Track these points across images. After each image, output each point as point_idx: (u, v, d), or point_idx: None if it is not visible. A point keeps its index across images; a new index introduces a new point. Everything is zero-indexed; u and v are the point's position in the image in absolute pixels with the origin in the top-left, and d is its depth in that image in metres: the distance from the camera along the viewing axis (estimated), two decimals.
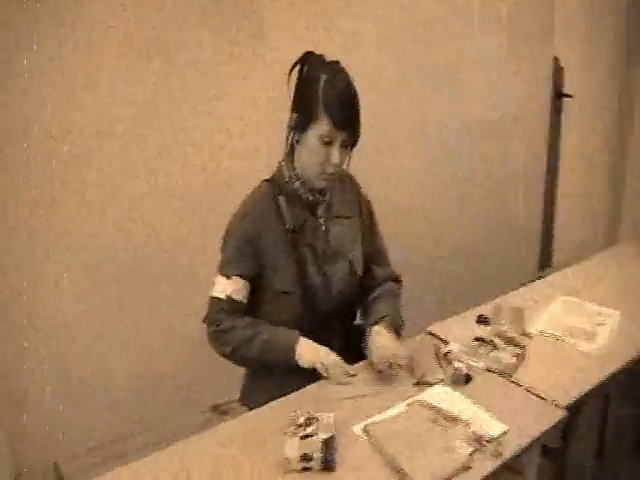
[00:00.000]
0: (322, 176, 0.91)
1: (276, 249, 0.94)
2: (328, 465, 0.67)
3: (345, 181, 1.02)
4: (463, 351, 0.94)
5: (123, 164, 1.30)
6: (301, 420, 0.73)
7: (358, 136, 0.88)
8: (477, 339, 0.98)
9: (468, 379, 0.86)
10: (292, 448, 0.69)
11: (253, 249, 0.94)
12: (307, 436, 0.70)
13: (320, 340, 0.95)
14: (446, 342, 0.97)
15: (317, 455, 0.69)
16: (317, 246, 0.96)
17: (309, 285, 0.95)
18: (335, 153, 0.88)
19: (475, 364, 0.92)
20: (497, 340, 0.96)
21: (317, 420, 0.74)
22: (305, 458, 0.69)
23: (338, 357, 0.92)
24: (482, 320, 1.06)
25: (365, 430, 0.76)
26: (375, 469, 0.70)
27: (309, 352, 0.91)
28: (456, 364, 0.87)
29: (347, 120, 0.85)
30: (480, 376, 0.88)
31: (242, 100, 1.38)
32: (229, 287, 0.94)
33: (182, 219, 1.40)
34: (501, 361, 0.88)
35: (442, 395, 0.83)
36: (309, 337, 0.96)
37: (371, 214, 1.05)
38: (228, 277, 0.93)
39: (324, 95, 0.86)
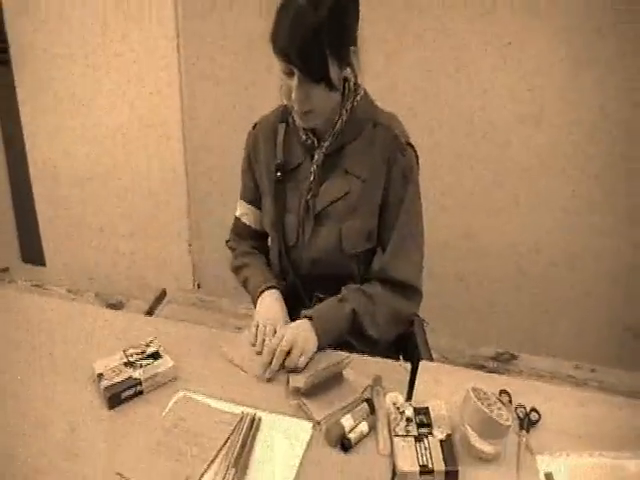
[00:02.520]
0: (296, 114, 0.86)
1: (265, 182, 0.94)
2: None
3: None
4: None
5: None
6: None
7: (316, 71, 0.78)
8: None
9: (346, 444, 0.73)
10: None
11: (251, 173, 0.96)
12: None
13: (300, 306, 0.94)
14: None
15: None
16: (302, 196, 0.91)
17: (285, 237, 0.93)
18: (293, 88, 0.80)
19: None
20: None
21: None
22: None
23: (280, 333, 0.86)
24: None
25: None
26: None
27: (262, 309, 0.91)
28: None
29: (287, 49, 0.76)
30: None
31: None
32: (239, 208, 1.01)
33: None
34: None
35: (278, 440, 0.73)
36: (291, 296, 0.96)
37: (406, 192, 0.90)
38: (241, 199, 1.00)
39: (274, 22, 0.79)
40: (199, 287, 2.06)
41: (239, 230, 1.05)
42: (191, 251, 1.98)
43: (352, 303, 0.92)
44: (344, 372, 0.86)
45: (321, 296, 0.96)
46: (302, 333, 0.88)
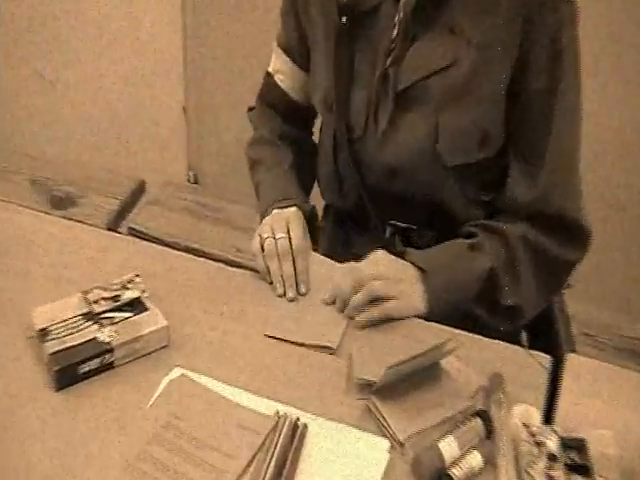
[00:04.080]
0: None
1: (319, 33, 0.86)
2: None
3: None
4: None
5: None
6: None
7: None
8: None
9: None
10: None
11: (296, 16, 0.89)
12: None
13: (365, 236, 0.91)
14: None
15: None
16: (378, 61, 0.81)
17: (347, 123, 0.84)
18: None
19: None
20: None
21: None
22: None
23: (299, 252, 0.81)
24: None
25: None
26: None
27: (266, 223, 0.85)
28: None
29: None
30: None
31: None
32: (274, 61, 0.94)
33: None
34: None
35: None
36: (354, 220, 0.93)
37: (559, 74, 0.76)
38: (277, 46, 0.93)
39: None
40: (195, 182, 2.01)
41: (269, 94, 0.96)
42: (187, 121, 1.89)
43: (489, 254, 0.80)
44: (443, 363, 0.70)
45: (401, 225, 0.87)
46: (403, 289, 0.77)
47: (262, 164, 0.94)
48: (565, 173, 0.80)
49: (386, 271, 0.77)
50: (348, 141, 0.85)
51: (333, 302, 0.78)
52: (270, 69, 0.94)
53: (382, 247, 0.81)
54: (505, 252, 0.80)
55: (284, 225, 0.82)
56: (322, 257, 0.84)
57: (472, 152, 0.80)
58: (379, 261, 0.78)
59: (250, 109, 1.00)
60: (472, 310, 0.80)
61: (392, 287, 0.76)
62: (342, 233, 0.96)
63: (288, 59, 0.91)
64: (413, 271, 0.78)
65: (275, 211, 0.84)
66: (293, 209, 0.84)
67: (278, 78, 0.93)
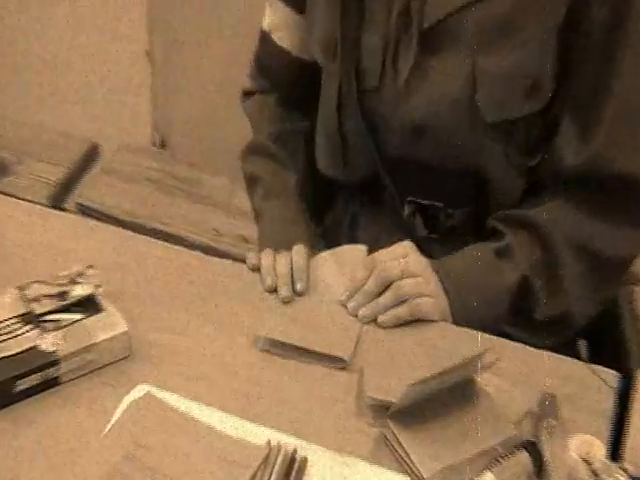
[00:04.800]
0: None
1: None
2: None
3: None
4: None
5: None
6: None
7: None
8: None
9: None
10: None
11: None
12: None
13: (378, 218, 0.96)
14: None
15: None
16: None
17: (357, 74, 0.87)
18: None
19: None
20: None
21: None
22: None
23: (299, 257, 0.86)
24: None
25: None
26: None
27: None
28: None
29: None
30: None
31: None
32: (268, 14, 0.98)
33: None
34: None
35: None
36: (367, 196, 0.96)
37: (627, 7, 0.78)
38: None
39: None
40: (162, 146, 2.04)
41: (267, 59, 1.02)
42: (152, 70, 1.94)
43: (520, 259, 0.85)
44: (479, 380, 0.73)
45: (424, 203, 0.91)
46: (434, 288, 0.83)
47: (259, 185, 1.00)
48: (628, 128, 0.83)
49: (415, 268, 0.81)
50: (358, 95, 0.87)
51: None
52: (265, 26, 0.97)
53: (400, 233, 0.85)
54: (541, 251, 0.83)
55: (287, 257, 0.87)
56: (327, 252, 0.88)
57: (517, 104, 0.83)
58: (407, 254, 0.82)
59: (245, 94, 1.04)
60: (504, 329, 0.84)
61: (423, 287, 0.80)
62: (346, 214, 1.00)
63: (284, 5, 0.94)
64: (434, 277, 0.83)
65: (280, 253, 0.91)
66: (300, 245, 0.90)
67: (276, 36, 0.96)
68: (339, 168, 0.95)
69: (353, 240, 0.96)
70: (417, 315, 0.79)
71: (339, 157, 0.94)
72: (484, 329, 0.83)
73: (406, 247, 0.84)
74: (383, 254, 0.83)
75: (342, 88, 0.89)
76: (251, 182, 1.04)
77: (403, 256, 0.82)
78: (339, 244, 0.93)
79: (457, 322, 0.83)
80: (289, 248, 0.89)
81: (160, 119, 2.07)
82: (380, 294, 0.81)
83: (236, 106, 1.10)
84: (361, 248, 0.88)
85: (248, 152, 1.05)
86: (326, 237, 1.00)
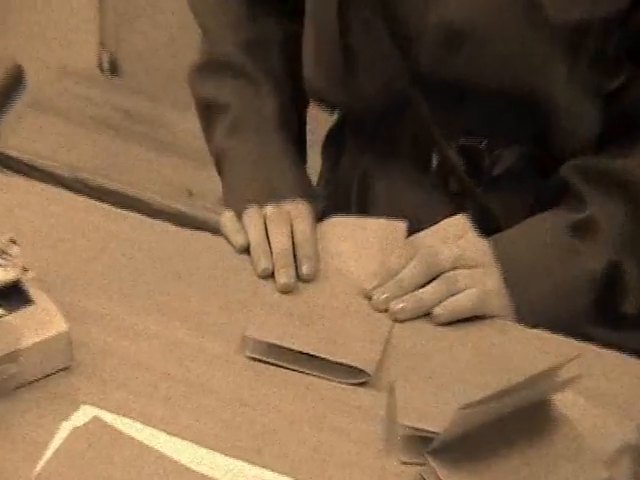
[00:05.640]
0: None
1: None
2: None
3: None
4: None
5: None
6: None
7: None
8: None
9: None
10: None
11: None
12: None
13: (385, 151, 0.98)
14: None
15: None
16: None
17: None
18: None
19: None
20: None
21: None
22: None
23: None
24: None
25: None
26: None
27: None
28: None
29: None
30: None
31: None
32: None
33: None
34: None
35: None
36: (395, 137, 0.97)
37: None
38: None
39: None
40: (113, 72, 2.07)
41: None
42: None
43: (606, 237, 0.87)
44: (558, 402, 0.73)
45: (461, 142, 0.95)
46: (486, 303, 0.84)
47: (222, 115, 1.00)
48: None
49: (473, 255, 0.83)
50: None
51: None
52: None
53: (426, 188, 0.90)
54: (636, 223, 0.86)
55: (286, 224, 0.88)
56: (343, 218, 0.89)
57: (588, 3, 0.84)
58: (462, 236, 0.84)
59: None
60: (585, 330, 0.85)
61: (483, 281, 0.82)
62: (355, 169, 1.02)
63: None
64: (493, 268, 0.84)
65: (270, 208, 0.90)
66: (298, 203, 0.90)
67: None
68: (339, 88, 0.96)
69: (363, 205, 0.98)
70: (481, 309, 0.81)
71: (339, 73, 0.95)
72: (557, 331, 0.84)
73: (460, 225, 0.85)
74: (429, 234, 0.84)
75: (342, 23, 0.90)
76: (209, 112, 1.03)
77: (456, 238, 0.84)
78: (345, 212, 0.94)
79: (521, 323, 0.84)
80: (280, 202, 0.90)
81: (108, 36, 2.11)
82: (422, 286, 0.81)
83: None
84: (399, 225, 0.88)
85: (202, 70, 1.05)
86: (329, 202, 1.01)
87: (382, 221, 0.90)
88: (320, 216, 0.97)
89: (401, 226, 0.88)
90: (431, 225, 0.90)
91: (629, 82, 0.91)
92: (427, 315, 0.83)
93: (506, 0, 0.86)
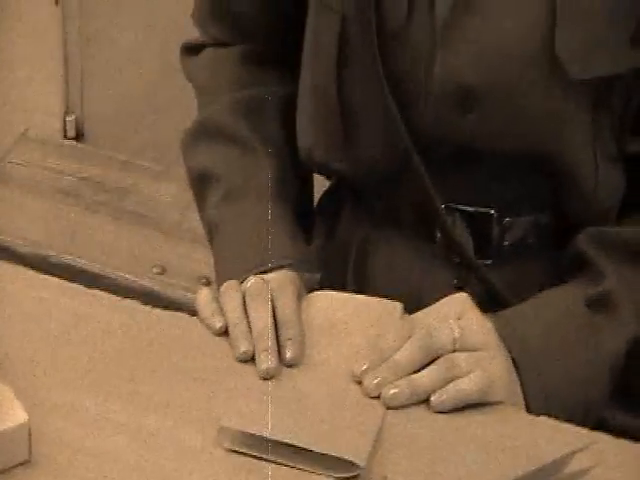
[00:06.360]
0: None
1: None
2: None
3: None
4: None
5: None
6: None
7: None
8: None
9: None
10: None
11: None
12: None
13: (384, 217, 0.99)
14: None
15: None
16: None
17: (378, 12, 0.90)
18: None
19: None
20: None
21: None
22: None
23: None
24: None
25: None
26: None
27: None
28: None
29: None
30: None
31: None
32: None
33: None
34: None
35: None
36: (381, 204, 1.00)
37: None
38: None
39: None
40: (77, 137, 2.11)
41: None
42: (66, 30, 2.05)
43: (631, 313, 0.88)
44: None
45: (467, 210, 0.95)
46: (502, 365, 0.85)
47: (215, 183, 1.01)
48: None
49: (475, 336, 0.82)
50: (379, 41, 0.88)
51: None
52: None
53: (430, 261, 0.90)
54: None
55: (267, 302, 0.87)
56: (334, 292, 0.89)
57: (616, 55, 0.85)
58: (462, 315, 0.82)
59: (188, 49, 1.07)
60: (602, 414, 0.86)
61: (486, 364, 0.81)
62: (353, 237, 1.02)
63: None
64: (503, 356, 0.83)
65: (251, 280, 0.89)
66: (284, 275, 0.90)
67: None
68: (338, 155, 0.96)
69: (362, 274, 0.98)
70: (485, 396, 0.79)
71: (338, 137, 0.95)
72: (571, 417, 0.83)
73: (461, 304, 0.84)
74: (427, 314, 0.83)
75: (346, 32, 0.90)
76: (201, 181, 1.04)
77: (457, 317, 0.82)
78: (341, 283, 0.95)
79: (532, 411, 0.82)
80: (263, 273, 0.89)
81: (75, 95, 2.12)
82: (418, 370, 0.80)
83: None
84: (395, 305, 0.88)
85: (196, 135, 1.05)
86: (323, 273, 1.00)
87: (376, 299, 0.89)
88: (318, 286, 0.96)
89: (397, 306, 0.87)
90: (432, 300, 0.88)
91: None
92: (425, 401, 0.81)
93: (522, 53, 0.87)
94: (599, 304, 0.86)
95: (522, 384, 0.84)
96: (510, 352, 0.84)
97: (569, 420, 0.81)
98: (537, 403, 0.83)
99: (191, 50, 1.07)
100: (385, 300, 0.89)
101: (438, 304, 0.85)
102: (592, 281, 0.88)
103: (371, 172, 0.96)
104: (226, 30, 1.05)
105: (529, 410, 0.83)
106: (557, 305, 0.88)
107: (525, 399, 0.84)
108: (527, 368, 0.84)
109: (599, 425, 0.85)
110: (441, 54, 0.88)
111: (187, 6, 1.12)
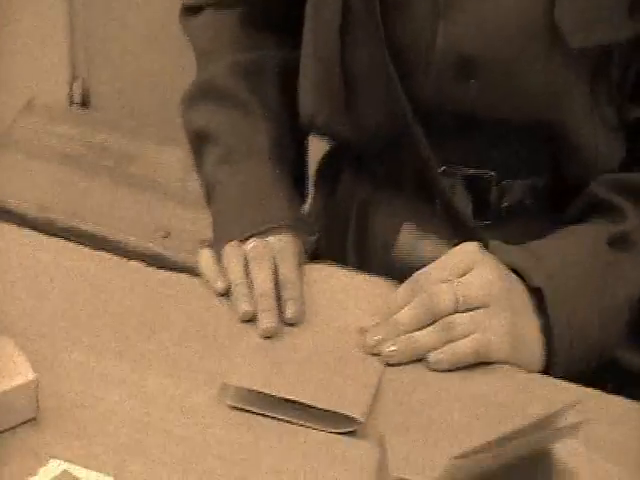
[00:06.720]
0: None
1: None
2: None
3: None
4: None
5: None
6: None
7: None
8: None
9: None
10: None
11: None
12: None
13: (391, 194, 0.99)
14: None
15: None
16: None
17: None
18: None
19: None
20: None
21: None
22: None
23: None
24: None
25: None
26: None
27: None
28: None
29: None
30: None
31: None
32: None
33: None
34: None
35: None
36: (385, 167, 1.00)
37: None
38: None
39: None
40: (84, 104, 2.09)
41: None
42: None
43: None
44: (559, 452, 0.72)
45: (467, 172, 0.95)
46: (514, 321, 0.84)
47: (213, 144, 1.01)
48: None
49: (480, 292, 0.81)
50: (381, 16, 0.87)
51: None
52: None
53: (431, 223, 0.89)
54: None
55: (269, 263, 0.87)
56: (333, 267, 0.90)
57: (615, 24, 0.86)
58: (472, 267, 0.82)
59: (188, 10, 1.06)
60: (615, 354, 0.86)
61: (487, 323, 0.80)
62: (353, 201, 1.02)
63: None
64: (524, 295, 0.82)
65: (252, 243, 0.89)
66: (284, 237, 0.89)
67: None
68: (340, 120, 0.96)
69: (362, 237, 0.98)
70: (483, 356, 0.79)
71: (340, 103, 0.95)
72: (587, 355, 0.83)
73: (471, 256, 0.84)
74: (434, 270, 0.83)
75: (349, 1, 0.90)
76: (200, 141, 1.04)
77: (462, 272, 0.82)
78: (342, 245, 0.96)
79: (557, 355, 0.81)
80: (263, 234, 0.89)
81: (80, 59, 2.12)
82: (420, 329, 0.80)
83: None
84: (389, 286, 0.88)
85: (194, 96, 1.05)
86: (323, 234, 1.01)
87: (374, 278, 0.90)
88: (315, 249, 0.97)
89: (390, 288, 0.88)
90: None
91: None
92: (422, 361, 0.82)
93: (523, 23, 0.87)
94: (620, 242, 0.86)
95: (548, 317, 0.82)
96: (534, 282, 0.83)
97: (586, 358, 0.82)
98: (562, 337, 0.82)
99: (191, 10, 1.07)
100: (382, 280, 0.89)
101: (446, 256, 0.85)
102: (613, 222, 0.87)
103: (372, 137, 0.96)
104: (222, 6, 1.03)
105: (552, 347, 0.81)
106: (580, 241, 0.88)
107: (551, 334, 0.82)
108: (554, 300, 0.82)
109: (611, 364, 0.86)
110: (443, 24, 0.87)
111: None
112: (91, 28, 2.09)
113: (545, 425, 0.69)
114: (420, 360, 0.82)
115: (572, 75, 0.89)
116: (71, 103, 2.10)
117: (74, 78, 2.11)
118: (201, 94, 1.05)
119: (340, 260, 0.97)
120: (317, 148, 1.08)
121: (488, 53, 0.88)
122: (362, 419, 0.72)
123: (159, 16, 1.92)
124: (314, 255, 0.97)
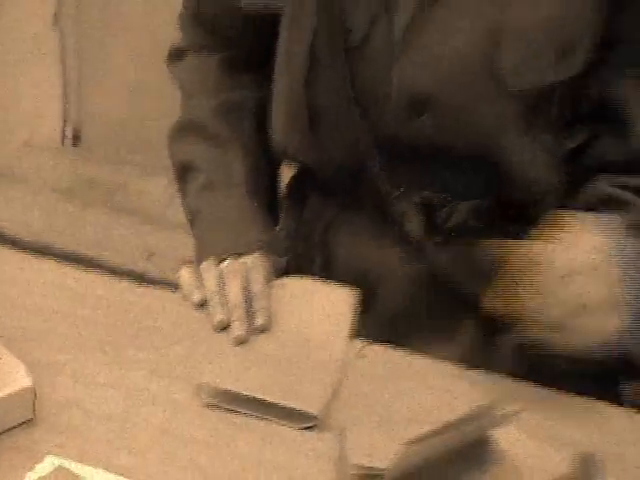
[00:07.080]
0: None
1: None
2: None
3: None
4: None
5: None
6: None
7: None
8: None
9: None
10: None
11: None
12: None
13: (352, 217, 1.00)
14: None
15: None
16: None
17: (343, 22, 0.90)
18: None
19: None
20: None
21: None
22: None
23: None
24: None
25: None
26: None
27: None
28: None
29: None
30: None
31: None
32: None
33: None
34: None
35: None
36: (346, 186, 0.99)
37: None
38: None
39: None
40: (75, 142, 2.09)
41: (206, 4, 1.05)
42: (62, 41, 2.03)
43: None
44: (498, 438, 0.74)
45: (420, 196, 0.96)
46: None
47: (195, 175, 1.04)
48: None
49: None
50: (345, 53, 0.90)
51: None
52: None
53: (387, 239, 0.91)
54: None
55: (241, 278, 0.89)
56: (296, 280, 0.92)
57: (549, 69, 0.88)
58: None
59: (174, 54, 1.08)
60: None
61: None
62: (319, 221, 1.04)
63: None
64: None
65: (227, 261, 0.92)
66: (256, 257, 0.93)
67: None
68: (305, 146, 0.99)
69: (326, 258, 1.01)
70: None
71: (308, 135, 0.98)
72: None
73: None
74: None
75: (315, 45, 0.92)
76: (184, 172, 1.06)
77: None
78: (309, 262, 0.98)
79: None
80: (239, 255, 0.92)
81: (72, 105, 2.13)
82: None
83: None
84: (349, 294, 0.91)
85: (179, 132, 1.07)
86: (292, 253, 1.05)
87: (333, 288, 0.92)
88: (285, 266, 1.01)
89: (350, 295, 0.91)
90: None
91: (597, 141, 0.93)
92: (384, 362, 0.85)
93: (468, 68, 0.89)
94: (637, 228, 0.85)
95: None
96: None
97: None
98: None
99: (176, 55, 1.09)
100: (341, 288, 0.92)
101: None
102: (626, 212, 0.87)
103: (337, 166, 0.98)
104: (207, 36, 1.05)
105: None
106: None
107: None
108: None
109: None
110: (397, 65, 0.90)
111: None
112: (82, 77, 2.09)
113: (484, 414, 0.71)
114: (379, 361, 0.84)
115: (513, 111, 0.91)
116: (64, 142, 2.10)
117: (66, 120, 2.12)
118: (186, 130, 1.07)
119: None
120: (288, 175, 1.10)
121: (438, 91, 0.90)
122: (319, 415, 0.75)
123: (144, 63, 1.92)
124: (284, 272, 0.99)
